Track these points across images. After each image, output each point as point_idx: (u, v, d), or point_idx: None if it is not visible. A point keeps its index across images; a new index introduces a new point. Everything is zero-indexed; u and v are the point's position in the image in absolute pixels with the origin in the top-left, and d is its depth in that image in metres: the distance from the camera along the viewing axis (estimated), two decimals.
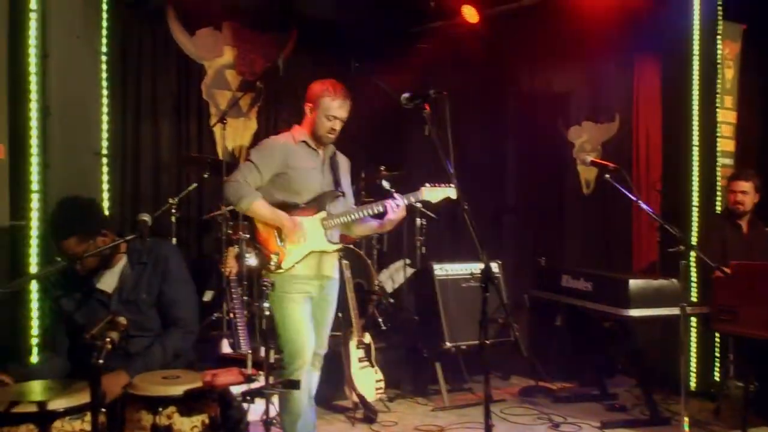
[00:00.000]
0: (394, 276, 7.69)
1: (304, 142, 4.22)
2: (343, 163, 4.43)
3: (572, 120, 8.04)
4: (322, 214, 4.20)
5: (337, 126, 4.18)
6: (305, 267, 4.12)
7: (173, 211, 6.55)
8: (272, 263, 3.99)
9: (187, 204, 7.16)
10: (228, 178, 4.17)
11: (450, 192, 4.17)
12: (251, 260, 5.54)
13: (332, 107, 4.13)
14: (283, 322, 4.09)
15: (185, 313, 3.76)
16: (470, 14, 7.62)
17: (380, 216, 4.26)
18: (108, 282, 3.75)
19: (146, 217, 3.52)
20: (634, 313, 5.23)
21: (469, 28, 7.68)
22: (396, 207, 4.17)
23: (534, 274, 6.56)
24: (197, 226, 7.36)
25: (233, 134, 7.59)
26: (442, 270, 6.19)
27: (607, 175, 4.80)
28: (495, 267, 6.14)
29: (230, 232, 5.84)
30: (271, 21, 7.79)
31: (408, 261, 7.45)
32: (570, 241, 8.02)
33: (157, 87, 7.20)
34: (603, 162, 5.09)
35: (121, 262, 3.77)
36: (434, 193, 4.23)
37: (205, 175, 6.51)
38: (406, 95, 3.66)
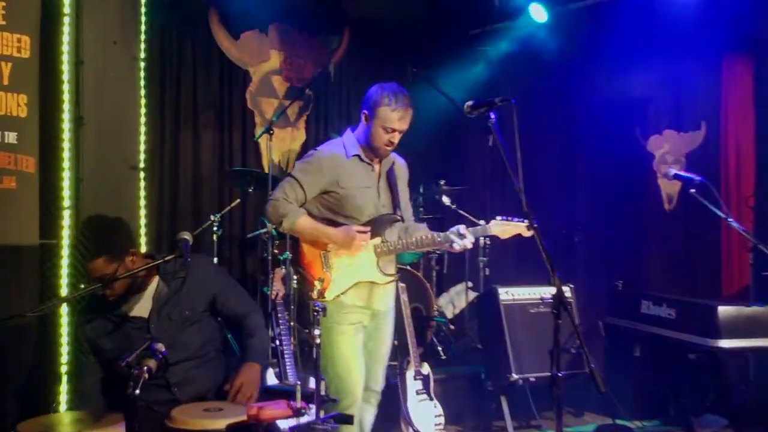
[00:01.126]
0: (454, 300, 7.63)
1: (357, 156, 4.08)
2: (401, 172, 4.32)
3: (652, 128, 7.86)
4: (376, 240, 4.10)
5: (396, 138, 4.05)
6: (354, 297, 4.04)
7: (215, 228, 6.59)
8: (315, 291, 3.84)
9: (229, 221, 7.23)
10: (269, 197, 4.11)
11: (522, 228, 3.98)
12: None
13: (391, 118, 3.98)
14: (331, 356, 4.00)
15: (247, 302, 4.00)
16: (538, 13, 7.57)
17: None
18: (141, 307, 3.78)
19: (186, 236, 3.52)
20: (724, 343, 5.14)
21: (537, 29, 7.61)
22: (461, 242, 4.02)
23: (610, 299, 6.47)
24: (240, 245, 7.40)
25: (280, 145, 7.66)
26: (508, 294, 6.10)
27: (692, 190, 4.71)
28: (567, 291, 6.04)
29: (276, 251, 5.84)
30: (322, 23, 7.87)
31: (470, 284, 7.38)
32: (650, 263, 7.85)
33: (198, 95, 7.28)
34: (687, 175, 4.98)
35: (153, 284, 3.81)
36: (504, 229, 4.09)
37: (250, 190, 6.50)
38: (469, 103, 3.63)
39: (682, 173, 5.18)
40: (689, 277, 7.39)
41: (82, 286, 3.70)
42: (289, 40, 7.75)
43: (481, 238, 7.04)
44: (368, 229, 4.04)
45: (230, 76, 7.47)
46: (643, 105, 7.91)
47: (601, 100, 8.21)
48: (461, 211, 6.87)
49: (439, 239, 4.08)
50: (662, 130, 7.79)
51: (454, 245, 4.03)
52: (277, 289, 5.57)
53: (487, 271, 7.12)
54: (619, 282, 6.43)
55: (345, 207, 4.03)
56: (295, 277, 5.47)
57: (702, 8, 6.52)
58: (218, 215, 6.62)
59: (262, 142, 7.21)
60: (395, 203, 4.17)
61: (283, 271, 5.60)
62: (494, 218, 4.11)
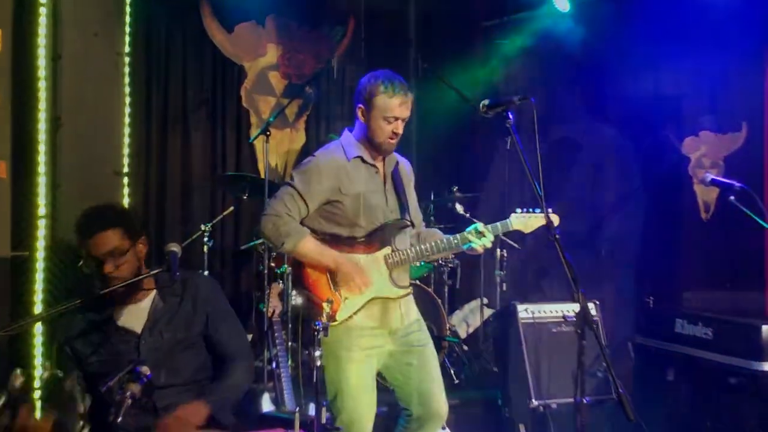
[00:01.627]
0: (468, 318, 7.59)
1: (358, 157, 4.02)
2: (407, 173, 4.26)
3: (687, 129, 7.79)
4: (386, 250, 4.03)
5: (400, 128, 3.98)
6: (364, 317, 3.96)
7: (205, 239, 6.57)
8: (324, 313, 3.65)
9: (221, 231, 7.26)
10: (266, 211, 3.98)
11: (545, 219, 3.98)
12: (298, 299, 5.50)
13: (391, 106, 3.92)
14: (338, 385, 3.93)
15: (240, 345, 3.87)
16: (561, 2, 7.54)
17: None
18: (134, 319, 3.72)
19: (175, 248, 3.48)
20: None
21: (558, 20, 7.58)
22: (480, 242, 4.01)
23: (639, 317, 6.43)
24: (233, 258, 7.39)
25: (278, 148, 7.69)
26: (528, 311, 6.04)
27: (732, 197, 4.67)
28: (592, 308, 5.96)
29: (273, 264, 5.81)
30: (323, 14, 7.91)
31: (485, 300, 7.34)
32: (685, 278, 7.78)
33: (188, 93, 7.29)
34: (727, 181, 4.98)
35: (149, 297, 3.76)
36: (527, 222, 4.11)
37: (244, 197, 6.48)
38: (485, 102, 3.64)
39: (721, 179, 5.13)
40: (728, 293, 7.28)
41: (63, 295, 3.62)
42: (287, 33, 7.78)
43: (498, 250, 7.01)
44: (370, 280, 3.96)
45: (223, 72, 7.52)
46: (676, 103, 7.85)
47: (630, 98, 8.16)
48: (475, 221, 6.82)
49: (455, 242, 4.05)
50: (698, 131, 7.73)
51: (473, 245, 4.00)
52: (273, 305, 5.54)
53: (504, 287, 7.07)
54: (650, 298, 6.37)
55: (350, 216, 3.96)
56: (293, 293, 5.47)
57: None
58: (209, 225, 6.61)
59: (258, 144, 7.17)
60: (403, 207, 4.11)
61: (281, 286, 5.57)
62: (513, 212, 4.12)
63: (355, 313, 3.93)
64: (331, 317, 3.77)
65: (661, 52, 7.55)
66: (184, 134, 7.28)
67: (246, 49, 7.57)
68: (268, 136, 6.28)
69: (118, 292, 3.59)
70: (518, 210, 4.12)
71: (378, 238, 4.02)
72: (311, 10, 7.79)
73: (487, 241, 4.02)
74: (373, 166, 4.06)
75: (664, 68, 7.76)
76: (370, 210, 3.99)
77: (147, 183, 7.02)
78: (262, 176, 6.52)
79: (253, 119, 7.59)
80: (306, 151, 7.54)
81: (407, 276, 4.18)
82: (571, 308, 5.84)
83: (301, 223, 3.96)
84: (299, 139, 7.81)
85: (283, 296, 5.59)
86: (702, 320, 5.64)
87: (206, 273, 6.50)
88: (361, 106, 3.99)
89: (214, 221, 6.74)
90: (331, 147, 4.10)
